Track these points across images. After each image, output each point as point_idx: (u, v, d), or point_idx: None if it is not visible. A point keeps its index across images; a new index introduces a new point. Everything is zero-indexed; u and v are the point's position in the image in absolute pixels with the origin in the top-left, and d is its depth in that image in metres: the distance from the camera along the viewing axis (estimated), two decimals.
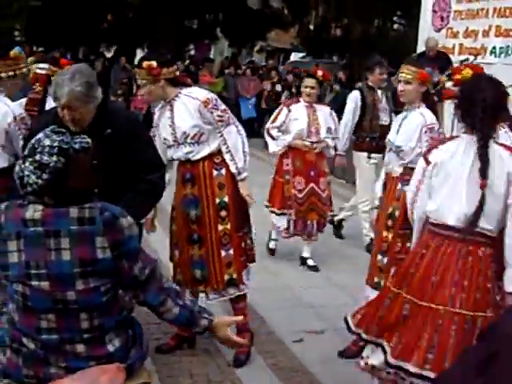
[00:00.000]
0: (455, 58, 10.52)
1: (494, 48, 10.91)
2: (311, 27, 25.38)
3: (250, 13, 21.59)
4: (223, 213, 4.32)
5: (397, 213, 4.41)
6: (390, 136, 4.69)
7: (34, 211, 2.45)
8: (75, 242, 2.44)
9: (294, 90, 14.80)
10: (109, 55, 21.42)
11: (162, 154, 4.18)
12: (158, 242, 5.77)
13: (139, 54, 22.02)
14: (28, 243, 2.45)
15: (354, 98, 6.99)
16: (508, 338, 1.94)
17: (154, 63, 4.12)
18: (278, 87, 15.41)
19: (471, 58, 9.69)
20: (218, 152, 4.33)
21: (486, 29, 11.15)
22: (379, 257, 4.51)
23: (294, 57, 28.85)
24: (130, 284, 2.60)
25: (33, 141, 2.50)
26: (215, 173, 4.33)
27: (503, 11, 10.79)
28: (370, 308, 3.52)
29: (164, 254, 4.80)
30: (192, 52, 25.34)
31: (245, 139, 4.38)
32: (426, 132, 4.46)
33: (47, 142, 2.45)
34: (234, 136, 4.33)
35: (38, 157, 2.43)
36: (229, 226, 4.33)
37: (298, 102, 6.40)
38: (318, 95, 6.53)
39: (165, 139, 4.33)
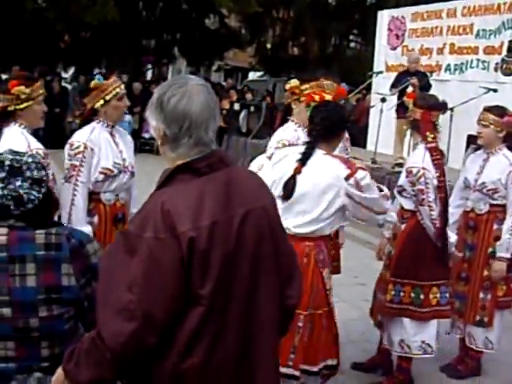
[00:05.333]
0: None
1: (449, 65, 11.10)
2: (268, 46, 25.56)
3: (207, 32, 21.65)
4: None
5: None
6: None
7: None
8: (41, 268, 2.35)
9: (252, 109, 14.83)
10: (65, 75, 21.23)
11: None
12: None
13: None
14: None
15: None
16: None
17: None
18: (237, 106, 15.40)
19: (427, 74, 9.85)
20: None
21: (440, 46, 11.35)
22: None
23: (252, 76, 29.03)
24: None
25: (5, 162, 2.36)
26: None
27: (457, 29, 11.00)
28: None
29: None
30: (150, 71, 25.24)
31: None
32: None
33: (29, 160, 2.38)
34: None
35: (28, 173, 2.35)
36: None
37: None
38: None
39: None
